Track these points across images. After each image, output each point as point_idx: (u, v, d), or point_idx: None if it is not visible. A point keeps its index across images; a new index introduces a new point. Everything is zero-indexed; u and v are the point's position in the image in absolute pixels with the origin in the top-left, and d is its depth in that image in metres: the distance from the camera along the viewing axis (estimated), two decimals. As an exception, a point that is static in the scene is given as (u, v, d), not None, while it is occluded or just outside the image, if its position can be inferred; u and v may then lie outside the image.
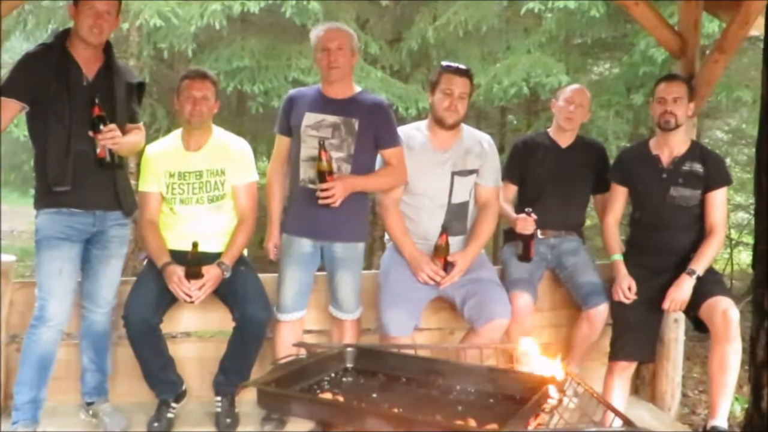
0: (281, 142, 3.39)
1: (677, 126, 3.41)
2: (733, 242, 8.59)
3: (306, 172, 3.23)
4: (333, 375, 2.14)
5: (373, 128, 3.23)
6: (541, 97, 7.53)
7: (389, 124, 3.29)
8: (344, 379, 2.14)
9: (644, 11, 3.83)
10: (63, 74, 2.99)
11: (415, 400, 2.00)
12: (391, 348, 2.51)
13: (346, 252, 3.28)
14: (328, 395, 1.92)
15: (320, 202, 3.10)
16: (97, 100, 2.96)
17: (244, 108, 8.63)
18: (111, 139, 2.98)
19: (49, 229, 3.05)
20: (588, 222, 4.36)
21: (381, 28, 7.93)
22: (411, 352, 2.42)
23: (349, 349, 2.25)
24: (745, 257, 8.91)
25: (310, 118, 3.23)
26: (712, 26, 5.58)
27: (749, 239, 8.77)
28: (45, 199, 3.08)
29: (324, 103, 3.25)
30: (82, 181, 3.02)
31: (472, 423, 1.76)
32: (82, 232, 3.10)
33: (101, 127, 2.96)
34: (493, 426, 1.74)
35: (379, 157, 3.31)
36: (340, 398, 1.91)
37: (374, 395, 2.02)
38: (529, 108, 9.07)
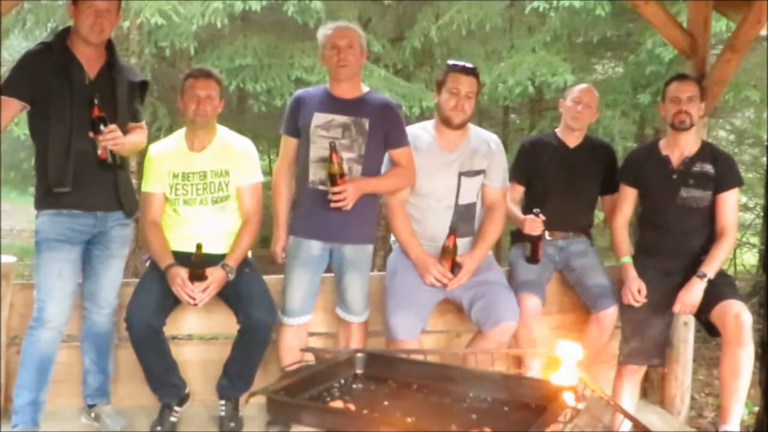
0: (288, 144, 3.34)
1: (692, 125, 3.37)
2: (738, 243, 8.54)
3: (316, 173, 3.18)
4: (343, 381, 2.10)
5: (383, 128, 3.19)
6: (546, 96, 7.49)
7: (399, 124, 3.25)
8: (354, 386, 2.10)
9: (654, 10, 3.79)
10: (64, 73, 2.95)
11: (428, 407, 1.96)
12: (401, 353, 2.46)
13: (356, 254, 3.24)
14: (339, 403, 1.88)
15: (332, 205, 3.06)
16: (96, 101, 2.91)
17: (245, 106, 8.60)
18: (112, 140, 2.94)
19: (49, 231, 3.01)
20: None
21: (383, 27, 7.89)
22: (421, 357, 2.37)
23: (359, 354, 2.21)
24: (749, 258, 8.88)
25: (319, 118, 3.19)
26: (719, 25, 5.53)
27: (754, 239, 8.74)
28: (45, 199, 3.03)
29: (333, 103, 3.20)
30: (83, 181, 2.97)
31: (488, 432, 1.71)
32: (82, 233, 3.06)
33: (101, 127, 2.91)
34: (510, 436, 1.70)
35: (385, 158, 3.27)
36: (351, 406, 1.86)
37: (386, 403, 1.98)
38: (532, 107, 9.04)
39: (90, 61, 3.02)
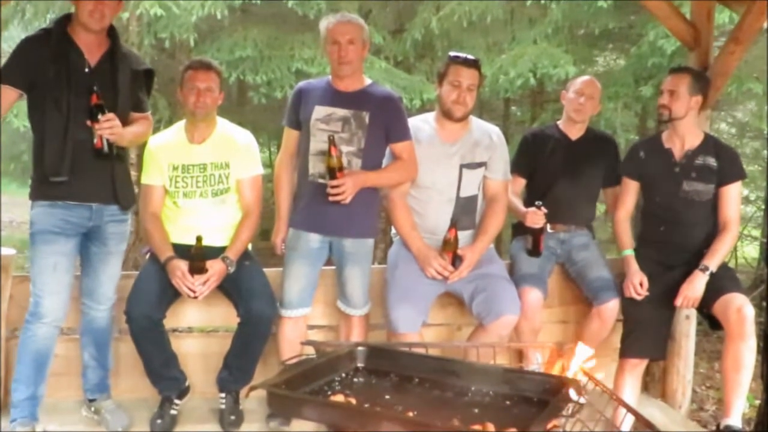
0: (290, 136, 3.33)
1: (671, 119, 3.35)
2: (739, 235, 8.54)
3: (315, 166, 3.16)
4: (344, 375, 2.09)
5: (384, 122, 3.17)
6: (547, 88, 7.45)
7: (400, 117, 3.22)
8: (355, 380, 2.09)
9: (657, 2, 3.77)
10: (62, 60, 2.90)
11: (430, 402, 1.95)
12: (402, 347, 2.44)
13: (356, 247, 3.23)
14: (340, 397, 1.87)
15: (330, 198, 3.04)
16: (95, 88, 2.86)
17: (245, 98, 8.57)
18: (108, 128, 2.88)
19: (44, 222, 2.97)
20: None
21: (384, 19, 7.86)
22: (422, 350, 2.35)
23: (360, 348, 2.20)
24: (750, 251, 8.86)
25: (319, 111, 3.17)
26: (722, 17, 5.50)
27: (755, 232, 8.72)
28: (40, 189, 2.99)
29: (334, 96, 3.18)
30: (79, 171, 2.92)
31: (491, 427, 1.70)
32: (77, 225, 3.02)
33: (99, 116, 2.86)
34: (512, 430, 1.68)
35: (387, 151, 3.25)
36: (353, 400, 1.85)
37: (387, 397, 1.97)
38: (534, 100, 9.01)
39: (91, 48, 2.97)
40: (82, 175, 2.94)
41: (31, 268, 3.02)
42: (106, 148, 2.91)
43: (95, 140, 2.89)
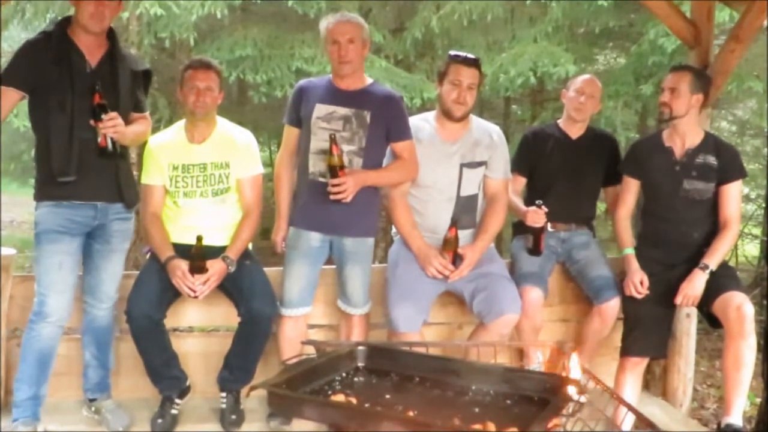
0: (290, 134, 3.33)
1: (672, 117, 3.34)
2: (740, 234, 8.52)
3: (316, 164, 3.16)
4: (344, 375, 2.08)
5: (385, 121, 3.17)
6: (548, 87, 7.43)
7: (401, 117, 3.23)
8: (356, 379, 2.09)
9: (657, 0, 3.76)
10: (64, 62, 2.92)
11: (430, 401, 1.95)
12: (402, 346, 2.44)
13: (356, 246, 3.23)
14: (340, 397, 1.87)
15: (331, 197, 3.05)
16: (97, 88, 2.88)
17: (246, 97, 8.57)
18: (112, 127, 2.91)
19: (49, 222, 2.99)
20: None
21: (384, 17, 7.85)
22: (423, 350, 2.35)
23: (360, 347, 2.20)
24: (750, 249, 8.86)
25: (320, 109, 3.17)
26: (722, 15, 5.49)
27: (756, 231, 8.71)
28: (45, 190, 3.01)
29: (335, 95, 3.18)
30: (84, 171, 2.95)
31: (492, 427, 1.70)
32: (82, 225, 3.04)
33: (102, 115, 2.88)
34: (513, 430, 1.68)
35: (388, 150, 3.25)
36: (353, 400, 1.85)
37: (387, 396, 1.97)
38: (534, 98, 9.00)
39: (91, 50, 2.99)
40: (87, 174, 2.96)
41: (36, 267, 3.04)
42: (110, 146, 2.94)
43: (99, 139, 2.92)
